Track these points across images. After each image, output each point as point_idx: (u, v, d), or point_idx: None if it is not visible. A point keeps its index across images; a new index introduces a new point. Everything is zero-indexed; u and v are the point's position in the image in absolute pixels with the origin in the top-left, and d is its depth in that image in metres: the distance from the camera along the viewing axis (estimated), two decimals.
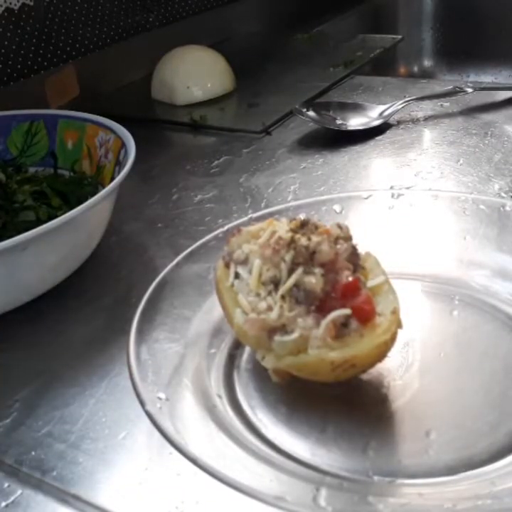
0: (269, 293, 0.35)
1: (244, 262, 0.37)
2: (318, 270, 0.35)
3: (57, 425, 0.37)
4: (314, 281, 0.34)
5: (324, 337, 0.33)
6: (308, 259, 0.35)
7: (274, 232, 0.36)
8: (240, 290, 0.37)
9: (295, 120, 0.74)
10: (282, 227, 0.37)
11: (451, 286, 0.44)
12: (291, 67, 0.93)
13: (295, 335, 0.34)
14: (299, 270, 0.35)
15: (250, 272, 0.36)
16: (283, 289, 0.35)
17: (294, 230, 0.36)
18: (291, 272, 0.35)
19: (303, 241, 0.35)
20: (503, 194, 0.55)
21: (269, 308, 0.34)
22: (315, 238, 0.35)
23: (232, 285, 0.37)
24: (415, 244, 0.46)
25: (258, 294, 0.35)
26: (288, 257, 0.35)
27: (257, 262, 0.36)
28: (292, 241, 0.35)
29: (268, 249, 0.36)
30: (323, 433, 0.34)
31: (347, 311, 0.34)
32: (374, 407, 0.36)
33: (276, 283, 0.35)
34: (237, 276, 0.37)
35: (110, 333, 0.43)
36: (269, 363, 0.35)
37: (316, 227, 0.37)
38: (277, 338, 0.34)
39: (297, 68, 0.92)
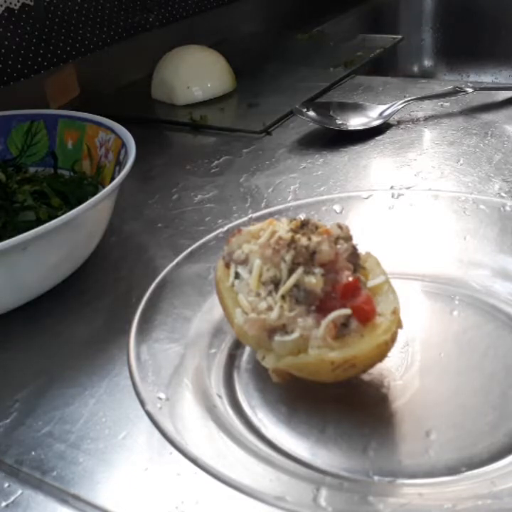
0: (270, 293, 0.35)
1: (245, 262, 0.37)
2: (318, 270, 0.35)
3: (58, 425, 0.37)
4: (314, 281, 0.34)
5: (324, 337, 0.33)
6: (308, 259, 0.35)
7: (274, 232, 0.36)
8: (240, 290, 0.37)
9: (295, 120, 0.74)
10: (282, 227, 0.37)
11: (451, 286, 0.44)
12: (291, 67, 0.93)
13: (295, 335, 0.34)
14: (299, 270, 0.35)
15: (250, 272, 0.36)
16: (283, 289, 0.35)
17: (294, 230, 0.36)
18: (291, 272, 0.35)
19: (303, 241, 0.35)
20: (503, 194, 0.55)
21: (269, 308, 0.34)
22: (315, 238, 0.35)
23: (233, 285, 0.37)
24: (415, 244, 0.46)
25: (258, 294, 0.35)
26: (288, 257, 0.35)
27: (257, 262, 0.36)
28: (292, 241, 0.35)
29: (268, 249, 0.36)
30: (324, 433, 0.34)
31: (347, 311, 0.34)
32: (374, 407, 0.36)
33: (276, 283, 0.35)
34: (237, 276, 0.37)
35: (110, 333, 0.43)
36: (269, 363, 0.35)
37: (317, 227, 0.37)
38: (277, 338, 0.34)
39: (297, 68, 0.92)
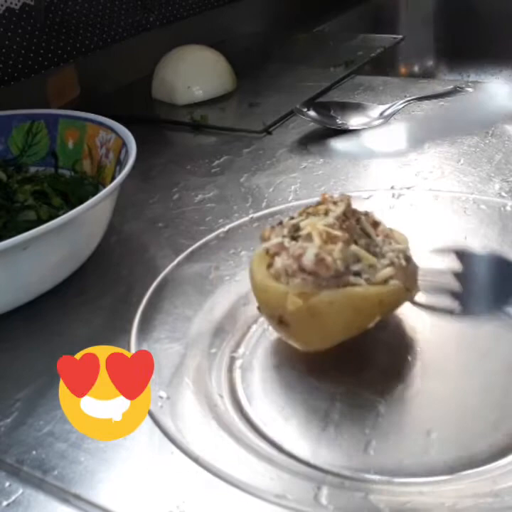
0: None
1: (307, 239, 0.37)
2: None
3: (59, 424, 0.37)
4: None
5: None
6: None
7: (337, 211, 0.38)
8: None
9: (296, 120, 0.74)
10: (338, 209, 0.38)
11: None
12: (291, 67, 0.93)
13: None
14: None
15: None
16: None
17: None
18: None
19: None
20: (503, 194, 0.55)
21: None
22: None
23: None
24: (416, 244, 0.46)
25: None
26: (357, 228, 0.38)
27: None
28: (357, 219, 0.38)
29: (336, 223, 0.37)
30: (324, 432, 0.34)
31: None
32: (374, 406, 0.36)
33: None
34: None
35: (111, 332, 0.43)
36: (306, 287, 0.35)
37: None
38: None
39: (297, 68, 0.92)
